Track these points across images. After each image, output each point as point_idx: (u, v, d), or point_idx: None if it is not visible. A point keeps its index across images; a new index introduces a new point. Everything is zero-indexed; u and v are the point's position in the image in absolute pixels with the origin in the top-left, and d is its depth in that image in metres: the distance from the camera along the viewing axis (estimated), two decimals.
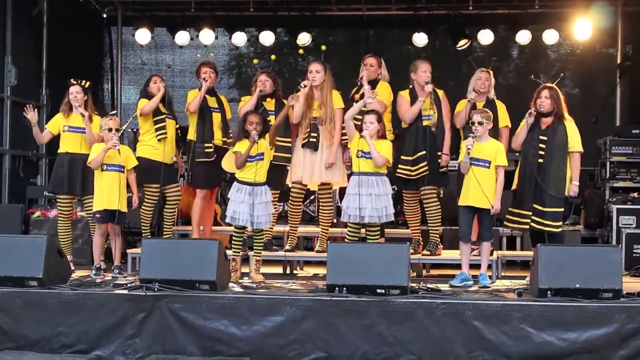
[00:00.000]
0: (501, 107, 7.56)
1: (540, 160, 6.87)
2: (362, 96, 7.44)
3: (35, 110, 7.65)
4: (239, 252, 7.19)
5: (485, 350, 5.72)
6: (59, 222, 7.78)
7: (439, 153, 7.49)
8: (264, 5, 10.89)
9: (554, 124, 6.93)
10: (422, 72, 7.54)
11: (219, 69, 8.75)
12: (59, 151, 7.72)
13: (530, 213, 6.85)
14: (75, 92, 7.61)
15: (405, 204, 7.85)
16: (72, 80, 7.69)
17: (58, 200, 7.76)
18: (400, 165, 7.55)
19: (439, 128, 7.49)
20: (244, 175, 7.03)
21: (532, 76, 7.44)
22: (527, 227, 6.92)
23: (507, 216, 7.02)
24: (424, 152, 7.47)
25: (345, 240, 7.08)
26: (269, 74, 7.86)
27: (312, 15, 11.08)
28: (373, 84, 7.63)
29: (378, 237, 7.07)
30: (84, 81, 7.73)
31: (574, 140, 6.94)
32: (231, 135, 7.96)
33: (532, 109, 6.89)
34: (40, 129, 7.77)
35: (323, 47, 8.20)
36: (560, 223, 6.92)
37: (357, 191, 6.83)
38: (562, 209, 6.92)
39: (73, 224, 8.01)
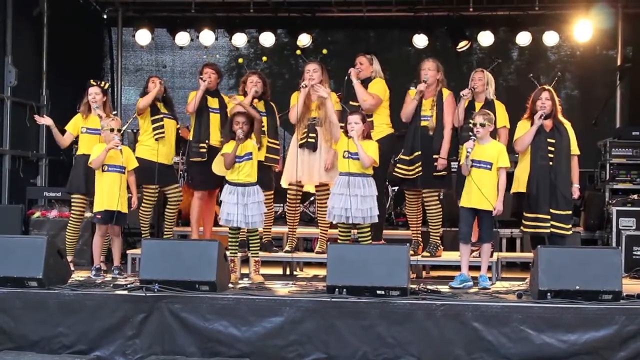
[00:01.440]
0: (500, 108, 7.50)
1: (551, 163, 6.87)
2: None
3: (43, 116, 7.64)
4: (235, 253, 7.18)
5: (485, 351, 5.72)
6: (70, 222, 7.73)
7: (435, 156, 7.45)
8: (264, 6, 10.87)
9: (558, 127, 6.95)
10: (421, 70, 7.55)
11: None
12: (77, 153, 7.76)
13: (549, 217, 6.84)
14: (95, 93, 7.60)
15: (407, 205, 7.87)
16: (91, 81, 7.69)
17: (73, 200, 7.73)
18: (398, 165, 7.59)
19: (437, 130, 7.47)
20: (234, 176, 7.02)
21: (531, 75, 7.42)
22: (548, 231, 6.86)
23: (523, 221, 6.98)
24: (419, 153, 7.47)
25: (337, 241, 7.08)
26: (260, 75, 7.89)
27: (312, 16, 11.06)
28: (366, 82, 7.69)
29: (369, 237, 7.05)
30: (103, 82, 7.74)
31: (574, 143, 6.99)
32: None
33: (540, 111, 6.86)
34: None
35: (324, 51, 8.18)
36: (571, 225, 6.98)
37: (343, 191, 6.84)
38: (572, 211, 6.99)
39: None
